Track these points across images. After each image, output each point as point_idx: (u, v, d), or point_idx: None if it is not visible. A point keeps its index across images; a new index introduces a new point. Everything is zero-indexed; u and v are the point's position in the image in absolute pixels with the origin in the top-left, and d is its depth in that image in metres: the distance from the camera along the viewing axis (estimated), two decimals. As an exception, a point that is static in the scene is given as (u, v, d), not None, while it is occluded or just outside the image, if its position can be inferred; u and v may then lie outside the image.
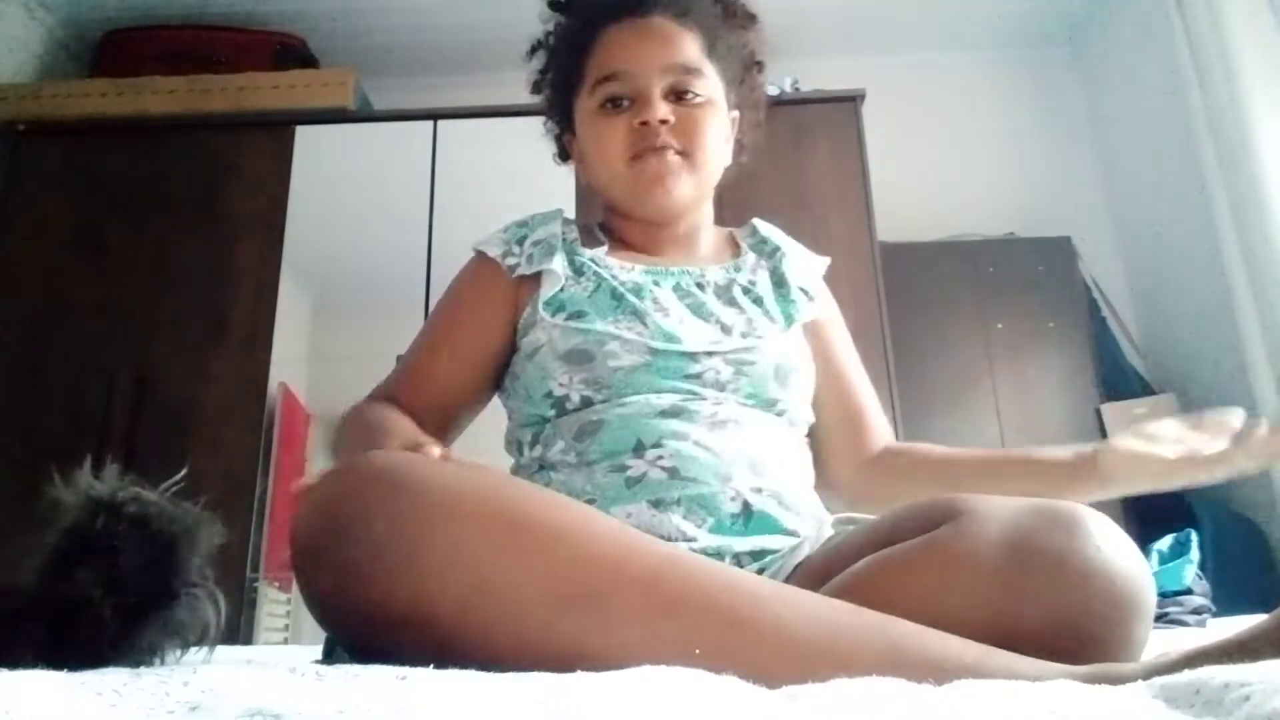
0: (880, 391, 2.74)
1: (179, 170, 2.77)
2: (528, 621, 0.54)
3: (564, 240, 1.02)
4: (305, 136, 2.77)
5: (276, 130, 2.78)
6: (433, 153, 2.73)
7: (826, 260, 1.13)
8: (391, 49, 3.21)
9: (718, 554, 0.78)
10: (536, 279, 0.98)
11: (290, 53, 3.01)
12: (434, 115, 2.78)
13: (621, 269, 0.99)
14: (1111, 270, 3.11)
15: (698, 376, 0.90)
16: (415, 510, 0.56)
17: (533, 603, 0.55)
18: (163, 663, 0.53)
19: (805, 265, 1.09)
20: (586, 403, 0.89)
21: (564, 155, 1.12)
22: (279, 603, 2.46)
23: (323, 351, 2.65)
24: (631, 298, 0.93)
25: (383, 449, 0.71)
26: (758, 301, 1.00)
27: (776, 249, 1.08)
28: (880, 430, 1.04)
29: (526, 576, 0.55)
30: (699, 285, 0.99)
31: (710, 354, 0.91)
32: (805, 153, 2.72)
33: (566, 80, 1.05)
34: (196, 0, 3.01)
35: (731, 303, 0.98)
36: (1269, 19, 2.43)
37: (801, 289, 1.04)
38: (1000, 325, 2.80)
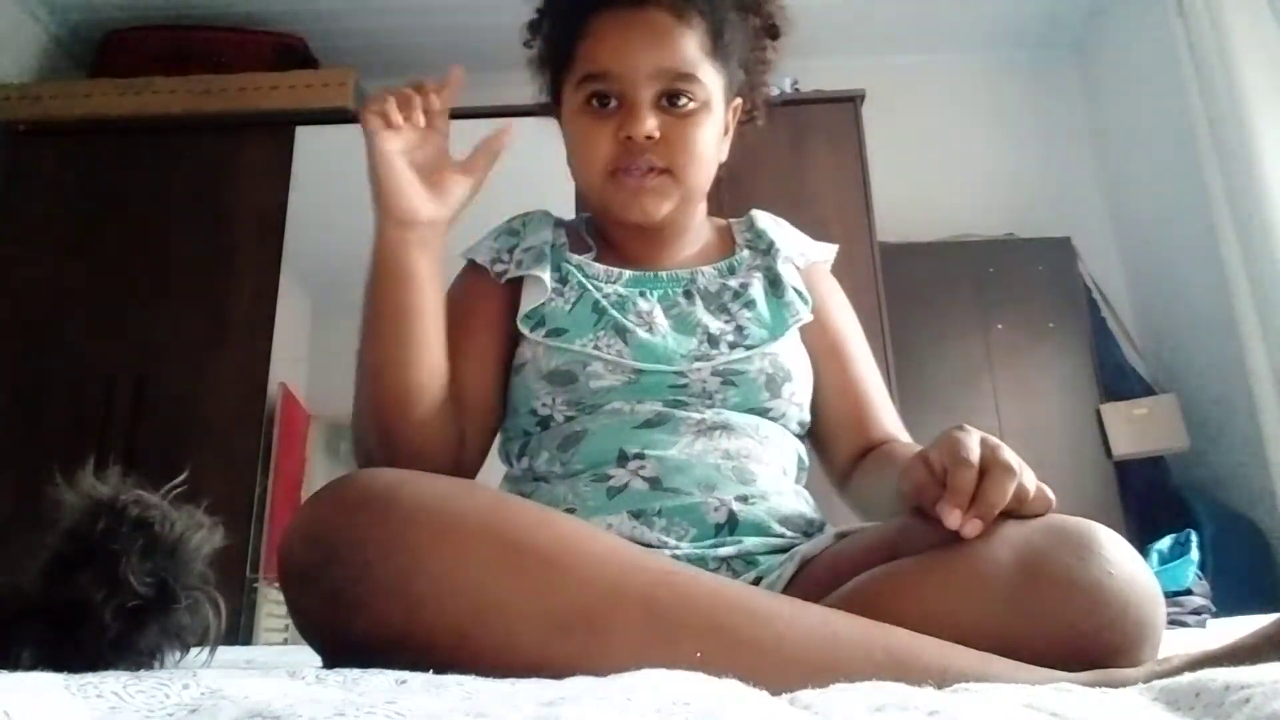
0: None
1: (179, 170, 2.77)
2: (524, 645, 0.54)
3: (553, 246, 0.98)
4: (305, 136, 2.77)
5: (276, 130, 2.78)
6: (433, 153, 2.72)
7: (833, 247, 1.08)
8: (391, 49, 3.20)
9: (700, 561, 0.76)
10: (522, 284, 0.95)
11: (290, 53, 3.01)
12: (434, 115, 2.77)
13: (607, 279, 0.95)
14: (1111, 270, 3.11)
15: (683, 388, 0.87)
16: (407, 534, 0.55)
17: (529, 626, 0.54)
18: (162, 665, 0.53)
19: (810, 257, 1.05)
20: (569, 419, 0.88)
21: (551, 111, 1.04)
22: (279, 603, 2.46)
23: (323, 351, 2.65)
24: (614, 312, 0.90)
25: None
26: (749, 306, 0.95)
27: (771, 245, 1.02)
28: (880, 427, 0.97)
29: (522, 599, 0.54)
30: (686, 293, 0.95)
31: (697, 369, 0.88)
32: (805, 153, 2.71)
33: (555, 57, 0.97)
34: (197, 0, 3.01)
35: (721, 309, 0.95)
36: (1269, 19, 2.43)
37: (796, 290, 0.99)
38: (1000, 325, 2.80)
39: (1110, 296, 3.04)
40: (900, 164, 2.98)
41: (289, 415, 2.58)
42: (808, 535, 0.85)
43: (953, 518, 0.63)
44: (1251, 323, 2.41)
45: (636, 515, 0.79)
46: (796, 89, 2.81)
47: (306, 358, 2.65)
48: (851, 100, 2.78)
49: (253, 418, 2.50)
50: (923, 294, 2.80)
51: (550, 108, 1.03)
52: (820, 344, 0.99)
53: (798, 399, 0.92)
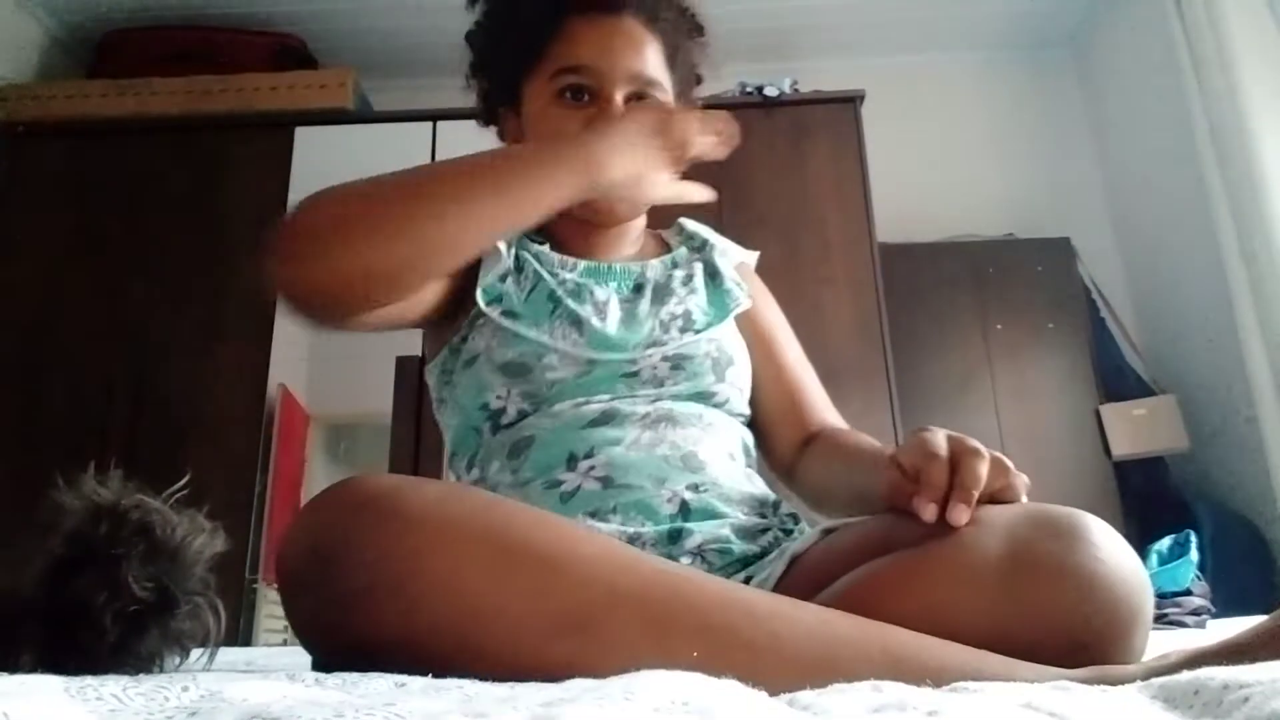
0: (880, 391, 2.71)
1: (179, 171, 2.77)
2: (520, 647, 0.54)
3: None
4: (305, 137, 2.77)
5: (276, 131, 2.78)
6: (432, 153, 2.73)
7: (756, 253, 1.13)
8: (391, 49, 3.21)
9: (670, 539, 0.78)
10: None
11: (290, 53, 3.01)
12: (434, 115, 2.78)
13: (563, 266, 0.97)
14: (1111, 270, 3.11)
15: (634, 375, 0.90)
16: (402, 539, 0.55)
17: (525, 628, 0.54)
18: (162, 669, 0.53)
19: (736, 257, 1.09)
20: (522, 415, 0.88)
21: (488, 119, 1.07)
22: (278, 604, 2.45)
23: (322, 352, 2.65)
24: (570, 302, 0.92)
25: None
26: (694, 293, 0.99)
27: (705, 242, 1.07)
28: (816, 414, 1.01)
29: (517, 602, 0.55)
30: (638, 286, 0.98)
31: (648, 355, 0.90)
32: (805, 153, 2.72)
33: (518, 56, 1.00)
34: (196, 0, 3.01)
35: (669, 296, 0.98)
36: (1268, 19, 2.43)
37: (734, 280, 1.04)
38: (1000, 326, 2.80)
39: (1110, 296, 3.04)
40: (900, 164, 2.98)
41: (288, 416, 2.58)
42: (761, 515, 0.86)
43: (928, 511, 0.65)
44: (1251, 323, 2.41)
45: (592, 515, 0.81)
46: (796, 89, 2.82)
47: (306, 358, 2.65)
48: (851, 100, 2.78)
49: (252, 418, 2.50)
50: (923, 294, 2.81)
51: (491, 114, 1.05)
52: (751, 337, 1.03)
53: (739, 384, 0.96)
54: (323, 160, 2.75)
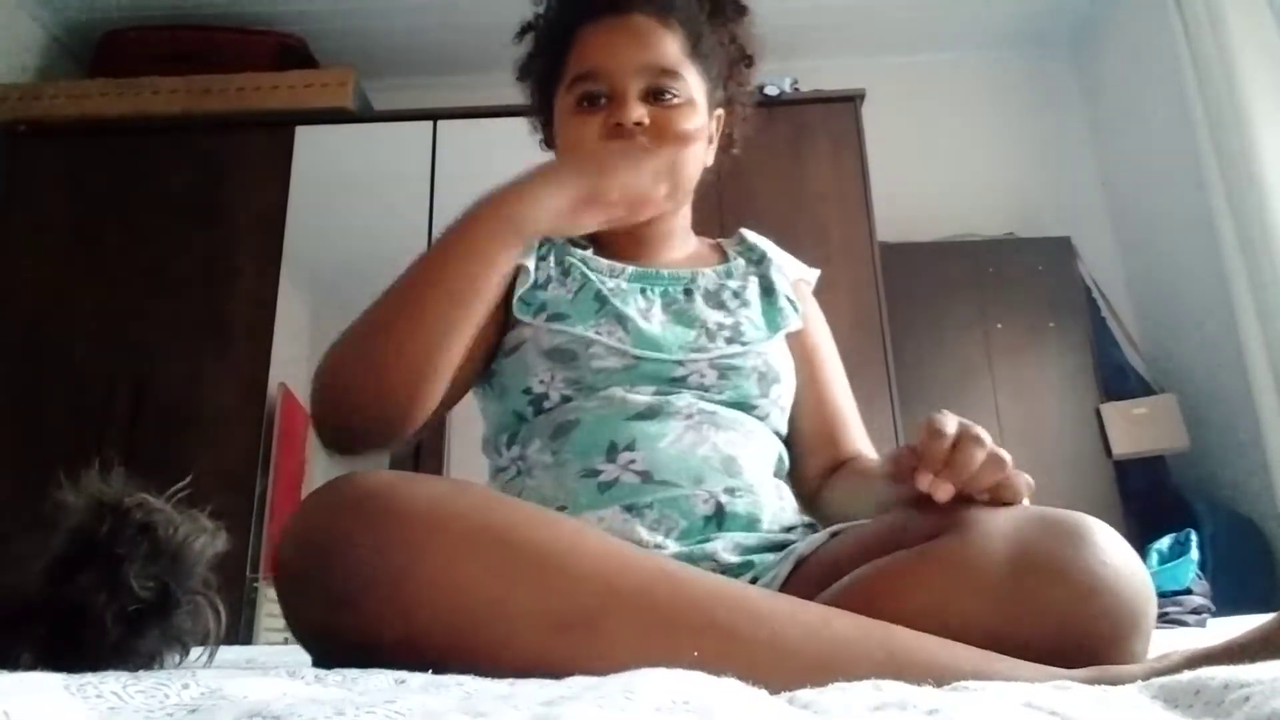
0: (880, 391, 2.71)
1: (179, 170, 2.77)
2: (520, 644, 0.54)
3: (546, 239, 1.00)
4: (305, 137, 2.77)
5: (276, 130, 2.78)
6: (432, 153, 2.73)
7: (816, 272, 1.12)
8: (391, 49, 3.21)
9: (689, 558, 0.76)
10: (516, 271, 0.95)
11: (290, 53, 3.01)
12: (434, 115, 2.78)
13: (610, 273, 0.97)
14: (1111, 270, 3.11)
15: (681, 380, 0.89)
16: (401, 535, 0.55)
17: (525, 625, 0.54)
18: (162, 668, 0.53)
19: (794, 274, 1.08)
20: (565, 401, 0.88)
21: (550, 143, 1.09)
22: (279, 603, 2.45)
23: (322, 352, 2.65)
24: (615, 302, 0.92)
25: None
26: (746, 305, 0.99)
27: (764, 256, 1.07)
28: (850, 443, 1.02)
29: (517, 599, 0.54)
30: (687, 291, 0.98)
31: (695, 360, 0.90)
32: (805, 153, 2.72)
33: (546, 76, 1.03)
34: (197, 0, 3.01)
35: (720, 306, 0.98)
36: (1268, 19, 2.43)
37: (788, 298, 1.04)
38: (1000, 325, 2.80)
39: (1110, 296, 3.04)
40: (900, 164, 2.98)
41: (289, 415, 2.58)
42: (790, 531, 0.86)
43: (923, 481, 0.67)
44: (1251, 323, 2.41)
45: (628, 509, 0.80)
46: (796, 89, 2.81)
47: (306, 358, 2.65)
48: (851, 100, 2.78)
49: (253, 418, 2.50)
50: (923, 294, 2.81)
51: (551, 145, 1.07)
52: (798, 358, 1.02)
53: (782, 402, 0.95)
54: (323, 160, 2.75)
